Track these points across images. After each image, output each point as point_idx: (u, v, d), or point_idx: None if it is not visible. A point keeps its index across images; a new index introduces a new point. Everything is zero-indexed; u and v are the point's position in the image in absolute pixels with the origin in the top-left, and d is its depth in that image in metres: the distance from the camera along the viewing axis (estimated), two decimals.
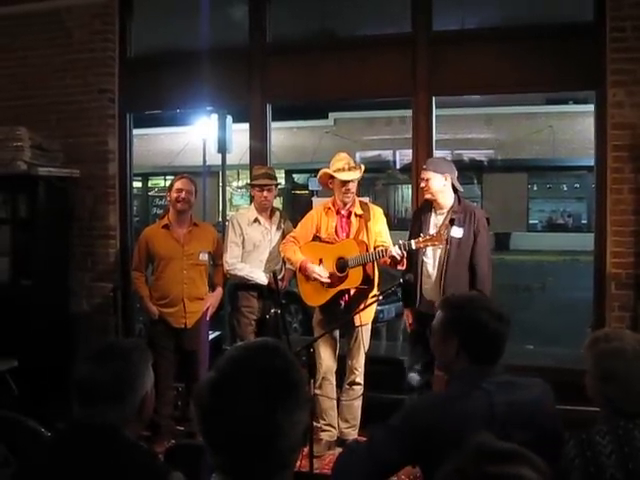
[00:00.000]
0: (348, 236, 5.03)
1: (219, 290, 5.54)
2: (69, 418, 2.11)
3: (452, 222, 4.66)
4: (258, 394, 1.43)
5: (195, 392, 1.50)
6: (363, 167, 5.04)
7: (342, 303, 4.98)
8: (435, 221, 4.81)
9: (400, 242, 4.64)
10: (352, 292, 4.97)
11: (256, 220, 5.33)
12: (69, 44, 6.20)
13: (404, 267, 4.72)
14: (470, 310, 2.48)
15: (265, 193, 5.28)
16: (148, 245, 5.32)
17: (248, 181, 5.83)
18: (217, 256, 5.46)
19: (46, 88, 6.22)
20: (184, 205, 5.27)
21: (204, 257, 5.36)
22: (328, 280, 4.94)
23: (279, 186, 5.64)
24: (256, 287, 5.27)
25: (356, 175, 4.96)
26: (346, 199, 5.01)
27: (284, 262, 5.33)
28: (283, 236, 5.34)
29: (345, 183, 4.94)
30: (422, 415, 2.33)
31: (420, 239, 4.52)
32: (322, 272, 4.95)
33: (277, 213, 5.49)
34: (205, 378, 1.49)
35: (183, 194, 5.23)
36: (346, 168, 4.96)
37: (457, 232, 4.68)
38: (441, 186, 4.74)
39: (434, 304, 4.15)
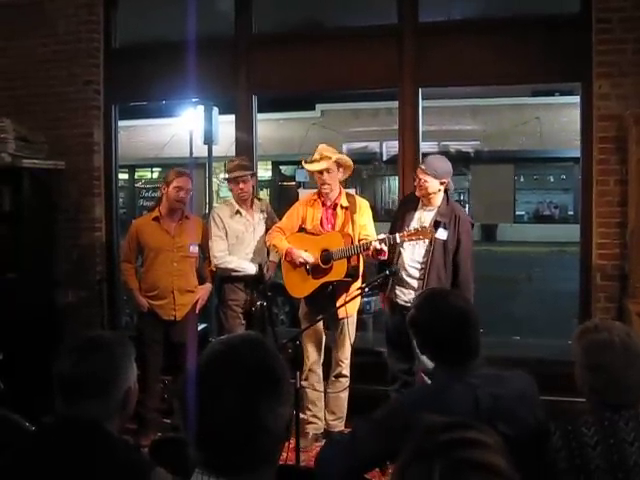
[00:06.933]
0: (333, 228, 5.01)
1: (209, 283, 5.50)
2: (54, 412, 2.09)
3: (437, 225, 4.65)
4: (240, 388, 1.42)
5: (177, 387, 1.49)
6: (334, 157, 4.95)
7: (327, 295, 4.93)
8: (419, 216, 4.81)
9: (383, 235, 4.63)
10: (337, 284, 4.94)
11: (237, 212, 5.30)
12: (54, 35, 6.15)
13: (385, 257, 4.70)
14: (425, 314, 2.50)
15: (241, 185, 5.24)
16: (138, 236, 5.30)
17: (225, 176, 5.78)
18: (206, 248, 5.44)
19: (31, 79, 6.18)
20: (182, 204, 5.26)
21: (194, 249, 5.34)
22: (313, 261, 4.91)
23: (267, 178, 5.62)
24: (242, 279, 5.25)
25: (318, 166, 4.93)
26: (323, 190, 5.00)
27: (267, 254, 5.32)
28: (266, 226, 5.33)
29: (313, 173, 4.99)
30: (405, 412, 2.32)
31: (405, 232, 4.51)
32: (309, 257, 4.93)
33: (257, 202, 5.45)
34: (186, 372, 1.48)
35: (183, 193, 5.22)
36: (317, 159, 4.98)
37: (442, 234, 4.66)
38: (436, 190, 4.73)
39: None
